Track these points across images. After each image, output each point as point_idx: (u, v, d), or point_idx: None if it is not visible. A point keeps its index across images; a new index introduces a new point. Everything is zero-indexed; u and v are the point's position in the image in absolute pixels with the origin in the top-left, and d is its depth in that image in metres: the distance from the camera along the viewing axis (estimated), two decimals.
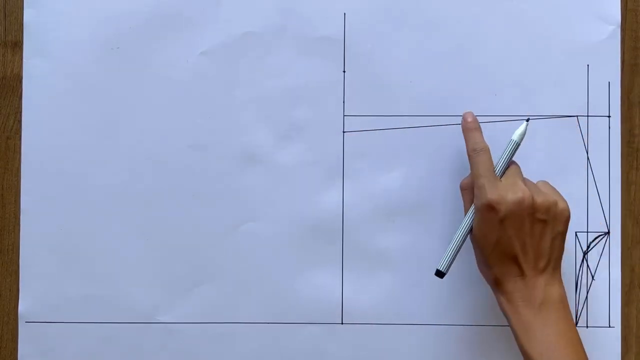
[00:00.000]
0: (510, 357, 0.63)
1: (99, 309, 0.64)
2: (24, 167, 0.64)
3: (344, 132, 0.64)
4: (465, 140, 0.59)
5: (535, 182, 0.58)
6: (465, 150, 0.59)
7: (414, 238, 0.63)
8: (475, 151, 0.58)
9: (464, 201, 0.59)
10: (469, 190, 0.59)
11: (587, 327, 0.63)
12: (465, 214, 0.58)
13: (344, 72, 0.63)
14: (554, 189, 0.58)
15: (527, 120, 0.60)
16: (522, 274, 0.56)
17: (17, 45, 0.64)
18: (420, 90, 0.63)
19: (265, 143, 0.64)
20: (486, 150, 0.58)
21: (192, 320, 0.63)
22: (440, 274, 0.58)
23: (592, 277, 0.63)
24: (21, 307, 0.64)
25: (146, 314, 0.64)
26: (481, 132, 0.59)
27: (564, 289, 0.56)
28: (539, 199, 0.55)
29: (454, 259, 0.58)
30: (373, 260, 0.63)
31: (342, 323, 0.64)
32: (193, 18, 0.64)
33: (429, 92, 0.63)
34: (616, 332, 0.63)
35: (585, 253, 0.63)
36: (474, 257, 0.62)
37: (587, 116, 0.64)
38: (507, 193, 0.55)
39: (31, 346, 0.64)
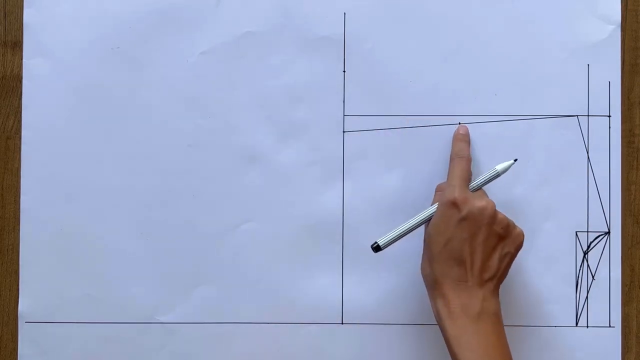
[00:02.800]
0: None
1: (99, 309, 0.64)
2: (24, 167, 0.64)
3: (344, 132, 0.64)
4: (452, 146, 0.61)
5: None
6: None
7: (414, 238, 0.63)
8: (458, 156, 0.60)
9: (433, 201, 0.60)
10: (442, 192, 0.59)
11: (587, 327, 0.63)
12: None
13: (344, 72, 0.63)
14: None
15: (515, 160, 0.61)
16: (464, 280, 0.56)
17: (17, 45, 0.64)
18: (420, 90, 0.63)
19: (265, 143, 0.64)
20: (468, 160, 0.60)
21: (192, 320, 0.63)
22: (377, 248, 0.58)
23: (592, 277, 0.63)
24: (21, 307, 0.64)
25: (146, 314, 0.64)
26: (469, 145, 0.61)
27: (500, 308, 0.57)
28: (500, 215, 0.57)
29: (395, 240, 0.58)
30: (373, 260, 0.63)
31: (342, 323, 0.64)
32: (193, 18, 0.64)
33: (429, 92, 0.63)
34: (616, 332, 0.63)
35: (585, 253, 0.63)
36: None
37: (587, 116, 0.64)
38: (474, 198, 0.57)
39: (31, 346, 0.63)
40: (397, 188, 0.63)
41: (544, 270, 0.63)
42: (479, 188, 0.59)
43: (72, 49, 0.64)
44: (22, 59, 0.64)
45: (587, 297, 0.63)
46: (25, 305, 0.64)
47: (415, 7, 0.64)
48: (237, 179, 0.64)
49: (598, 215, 0.63)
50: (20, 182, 0.64)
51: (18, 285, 0.64)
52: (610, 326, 0.63)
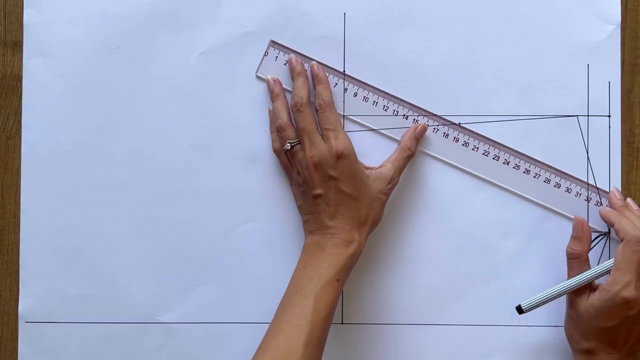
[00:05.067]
0: (510, 357, 0.63)
1: (99, 309, 0.64)
2: (24, 167, 0.64)
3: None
4: (619, 225, 0.59)
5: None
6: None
7: (414, 238, 0.63)
8: (638, 240, 0.57)
9: (569, 266, 0.60)
10: (579, 261, 0.59)
11: None
12: (572, 276, 0.59)
13: (344, 72, 0.63)
14: None
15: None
16: (615, 352, 0.57)
17: (17, 45, 0.64)
18: (420, 90, 0.63)
19: (265, 143, 0.64)
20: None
21: (192, 320, 0.63)
22: (520, 310, 0.59)
23: None
24: (21, 307, 0.64)
25: (146, 314, 0.64)
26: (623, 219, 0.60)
27: None
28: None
29: (539, 306, 0.59)
30: (373, 260, 0.63)
31: (342, 323, 0.64)
32: (193, 18, 0.64)
33: (428, 92, 0.63)
34: None
35: None
36: (474, 258, 0.62)
37: (587, 116, 0.63)
38: None
39: (31, 346, 0.63)
40: (397, 188, 0.63)
41: (543, 270, 0.63)
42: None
43: (72, 49, 0.64)
44: (22, 59, 0.64)
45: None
46: (25, 305, 0.64)
47: (415, 7, 0.64)
48: (237, 179, 0.64)
49: (598, 215, 0.63)
50: (20, 182, 0.64)
51: (18, 285, 0.64)
52: None
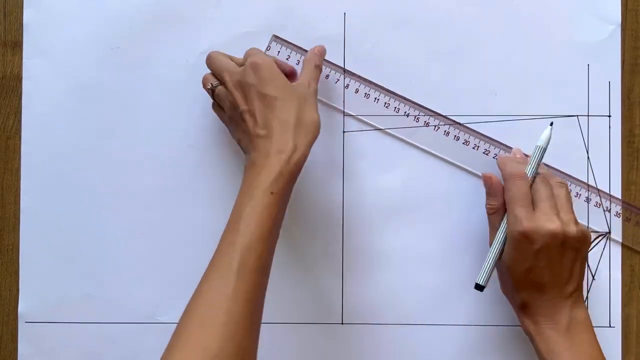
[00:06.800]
0: (510, 357, 0.63)
1: (99, 309, 0.64)
2: (24, 167, 0.64)
3: (344, 132, 0.64)
4: (504, 166, 0.58)
5: (551, 177, 0.59)
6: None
7: (414, 238, 0.63)
8: (513, 175, 0.57)
9: (490, 224, 0.59)
10: (498, 214, 0.58)
11: None
12: (495, 236, 0.58)
13: (344, 72, 0.63)
14: (569, 197, 0.58)
15: (551, 124, 0.60)
16: (550, 299, 0.56)
17: (17, 45, 0.64)
18: (420, 90, 0.63)
19: None
20: (524, 177, 0.57)
21: None
22: (480, 287, 0.58)
23: (593, 277, 0.63)
24: (21, 307, 0.64)
25: (146, 314, 0.64)
26: (524, 160, 0.60)
27: (587, 310, 0.57)
28: (571, 231, 0.55)
29: (491, 274, 0.58)
30: (373, 260, 0.63)
31: (342, 323, 0.64)
32: (193, 18, 0.64)
33: (428, 92, 0.63)
34: (616, 332, 0.63)
35: (585, 253, 0.63)
36: (473, 259, 0.62)
37: (587, 116, 0.63)
38: (543, 222, 0.55)
39: (31, 346, 0.63)
40: (397, 188, 0.63)
41: None
42: (534, 175, 0.58)
43: (72, 49, 0.64)
44: (22, 59, 0.64)
45: (587, 297, 0.63)
46: (25, 305, 0.64)
47: (415, 7, 0.64)
48: (237, 179, 0.64)
49: (598, 217, 0.63)
50: (20, 182, 0.64)
51: (18, 285, 0.64)
52: (610, 326, 0.63)
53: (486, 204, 0.59)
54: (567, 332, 0.55)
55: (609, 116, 0.64)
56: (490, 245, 0.58)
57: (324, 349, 0.63)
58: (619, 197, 0.63)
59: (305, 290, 0.63)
